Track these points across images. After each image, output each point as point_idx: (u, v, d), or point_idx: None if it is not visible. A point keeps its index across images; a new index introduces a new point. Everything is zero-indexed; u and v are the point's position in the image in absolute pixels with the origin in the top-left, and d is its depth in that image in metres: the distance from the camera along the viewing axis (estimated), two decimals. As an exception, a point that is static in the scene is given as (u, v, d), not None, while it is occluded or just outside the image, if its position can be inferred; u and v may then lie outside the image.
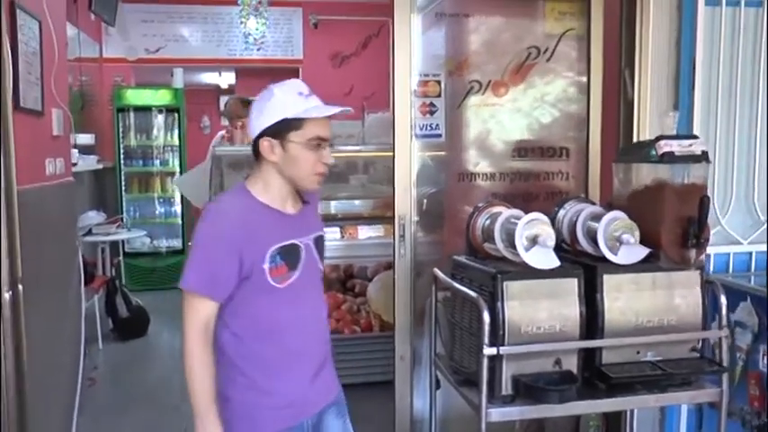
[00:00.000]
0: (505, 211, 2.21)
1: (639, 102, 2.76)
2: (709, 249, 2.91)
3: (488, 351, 2.01)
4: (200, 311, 1.71)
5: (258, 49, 6.59)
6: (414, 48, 2.67)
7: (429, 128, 2.70)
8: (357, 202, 3.86)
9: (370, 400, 3.11)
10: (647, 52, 2.74)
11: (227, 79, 8.50)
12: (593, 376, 2.19)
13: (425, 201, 2.78)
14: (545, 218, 2.09)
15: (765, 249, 2.99)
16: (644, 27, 2.72)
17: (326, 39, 7.01)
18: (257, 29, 5.92)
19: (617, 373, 2.13)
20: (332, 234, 4.11)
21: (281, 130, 1.71)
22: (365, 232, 3.88)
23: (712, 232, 2.92)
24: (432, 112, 2.70)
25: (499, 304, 2.03)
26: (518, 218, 2.11)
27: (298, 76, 7.18)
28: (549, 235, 2.05)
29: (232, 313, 1.76)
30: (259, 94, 1.80)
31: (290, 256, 1.77)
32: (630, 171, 2.35)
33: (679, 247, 2.17)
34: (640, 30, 2.73)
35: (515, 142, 2.87)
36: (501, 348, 2.02)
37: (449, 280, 2.35)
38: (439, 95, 2.72)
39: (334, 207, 4.40)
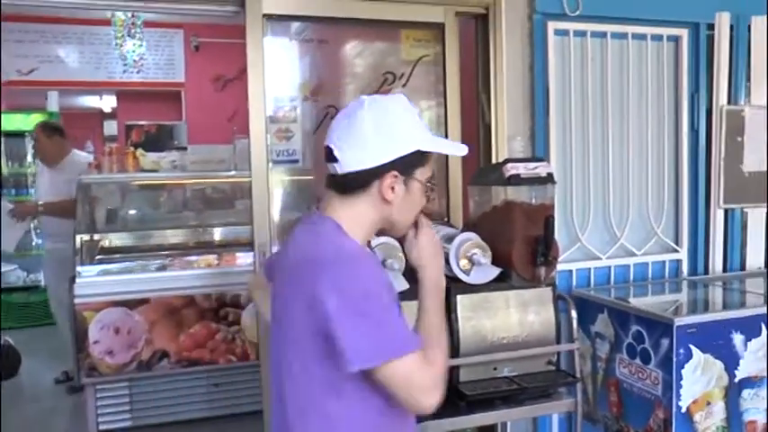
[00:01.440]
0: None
1: (497, 126, 2.88)
2: (571, 265, 3.08)
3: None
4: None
5: (138, 72, 6.38)
6: (267, 72, 2.63)
7: (286, 153, 2.69)
8: (230, 228, 3.79)
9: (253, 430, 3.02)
10: (502, 78, 2.86)
11: (108, 102, 8.17)
12: (452, 395, 2.22)
13: (286, 227, 2.75)
14: (393, 241, 2.12)
15: (622, 263, 3.18)
16: (498, 54, 2.85)
17: (208, 61, 6.87)
18: (134, 51, 5.73)
19: (473, 391, 2.18)
20: (208, 260, 4.02)
21: (411, 164, 1.41)
22: (243, 259, 3.81)
23: (573, 249, 3.09)
24: (288, 138, 2.69)
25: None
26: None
27: (180, 100, 7.06)
28: (395, 260, 2.07)
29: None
30: (359, 105, 1.41)
31: None
32: (483, 193, 2.43)
33: (529, 265, 2.25)
34: (494, 56, 2.85)
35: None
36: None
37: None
38: (295, 121, 2.71)
39: (210, 234, 4.32)
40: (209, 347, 3.64)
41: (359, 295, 1.32)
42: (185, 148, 5.58)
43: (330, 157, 1.45)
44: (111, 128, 7.58)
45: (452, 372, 2.21)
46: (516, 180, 2.25)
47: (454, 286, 2.21)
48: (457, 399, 2.20)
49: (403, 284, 2.10)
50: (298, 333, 1.39)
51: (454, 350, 2.19)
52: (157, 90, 6.76)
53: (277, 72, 2.67)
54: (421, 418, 1.95)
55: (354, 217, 1.44)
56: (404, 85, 2.86)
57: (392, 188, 1.41)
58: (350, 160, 1.41)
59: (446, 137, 2.83)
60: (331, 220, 1.44)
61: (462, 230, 2.42)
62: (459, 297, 2.19)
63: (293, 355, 1.42)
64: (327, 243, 1.40)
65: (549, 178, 2.32)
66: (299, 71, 2.75)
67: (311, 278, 1.34)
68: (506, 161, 2.30)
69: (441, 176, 2.90)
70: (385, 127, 1.40)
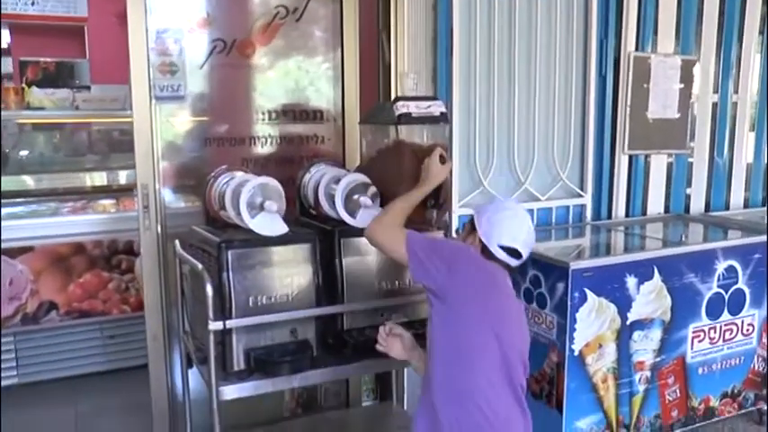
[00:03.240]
0: (237, 177, 2.07)
1: (397, 65, 2.74)
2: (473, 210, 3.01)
3: (213, 326, 1.88)
4: None
5: (33, 4, 5.86)
6: (151, 3, 2.43)
7: (170, 89, 2.48)
8: (131, 171, 3.52)
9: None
10: (404, 16, 2.71)
11: (5, 38, 7.52)
12: (338, 343, 2.15)
13: (174, 168, 2.57)
14: (274, 183, 1.99)
15: (526, 208, 3.13)
16: (399, -11, 2.69)
17: (113, -5, 6.38)
18: (25, -20, 5.24)
19: (357, 338, 2.11)
20: (104, 206, 3.79)
21: None
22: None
23: (475, 193, 3.03)
24: (172, 72, 2.48)
25: (225, 275, 1.91)
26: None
27: (83, 36, 6.55)
28: (275, 201, 1.94)
29: None
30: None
31: None
32: (375, 132, 2.31)
33: (419, 208, 2.15)
34: (395, -8, 2.69)
35: (266, 105, 2.73)
36: (228, 322, 1.90)
37: (182, 252, 2.18)
38: (180, 54, 2.50)
39: (107, 178, 4.06)
40: (101, 297, 3.44)
41: None
42: (88, 88, 5.23)
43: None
44: (8, 65, 6.99)
45: (336, 320, 2.13)
46: (407, 119, 2.13)
47: (339, 229, 2.11)
48: (341, 346, 2.12)
49: (281, 227, 1.98)
50: None
51: (339, 296, 2.10)
52: (57, 25, 6.22)
53: (161, 2, 2.47)
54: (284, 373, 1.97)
55: None
56: (297, 20, 2.68)
57: None
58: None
59: (342, 75, 2.69)
60: None
61: (354, 171, 2.31)
62: (343, 241, 2.09)
63: None
64: None
65: (443, 117, 2.21)
66: (184, 2, 2.53)
67: None
68: (397, 99, 2.18)
69: (337, 115, 2.78)
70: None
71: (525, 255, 1.84)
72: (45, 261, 3.35)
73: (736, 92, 3.71)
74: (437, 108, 2.21)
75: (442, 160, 2.05)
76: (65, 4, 6.28)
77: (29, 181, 3.95)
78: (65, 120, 4.06)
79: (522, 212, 1.89)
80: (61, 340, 3.50)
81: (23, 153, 4.22)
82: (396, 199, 1.97)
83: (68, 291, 3.40)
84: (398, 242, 1.79)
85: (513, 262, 1.83)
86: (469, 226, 1.89)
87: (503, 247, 1.80)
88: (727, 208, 3.76)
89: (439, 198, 2.16)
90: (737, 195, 3.81)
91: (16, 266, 3.29)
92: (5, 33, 7.09)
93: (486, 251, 1.81)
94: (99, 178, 4.19)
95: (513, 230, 1.82)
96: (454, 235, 2.62)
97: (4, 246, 3.22)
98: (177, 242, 2.28)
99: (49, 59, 5.82)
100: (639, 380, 2.72)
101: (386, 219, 1.89)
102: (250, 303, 1.93)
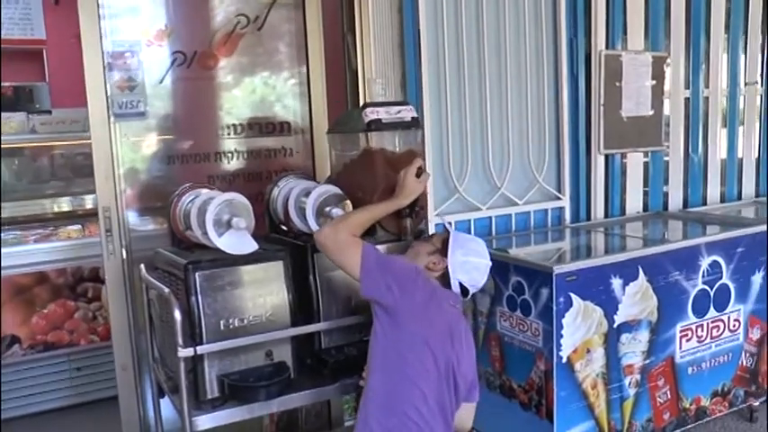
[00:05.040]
0: (203, 194, 1.96)
1: (364, 70, 2.65)
2: (450, 217, 2.93)
3: (183, 353, 1.77)
4: None
5: (-10, 28, 5.67)
6: (107, 15, 2.34)
7: (129, 105, 2.38)
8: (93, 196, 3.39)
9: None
10: (368, 21, 2.63)
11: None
12: (316, 363, 2.04)
13: (137, 189, 2.45)
14: (241, 198, 1.89)
15: (503, 213, 3.08)
16: (362, -8, 2.61)
17: (71, 16, 6.22)
18: (-22, 3, 5.07)
19: (336, 357, 2.01)
20: (68, 233, 3.64)
21: None
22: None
23: (451, 200, 2.95)
24: (131, 88, 2.37)
25: (193, 298, 1.79)
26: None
27: (42, 59, 6.38)
28: (243, 217, 1.84)
29: None
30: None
31: None
32: (345, 141, 2.22)
33: (394, 216, 2.07)
34: (358, -5, 2.61)
35: (230, 119, 2.63)
36: (198, 348, 1.78)
37: (147, 276, 2.06)
38: (138, 69, 2.40)
39: (72, 203, 3.91)
40: (66, 328, 3.28)
41: None
42: (49, 112, 5.06)
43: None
44: (-34, 92, 6.77)
45: (313, 339, 2.02)
46: (377, 125, 2.05)
47: (311, 244, 2.00)
48: (320, 366, 2.01)
49: (250, 245, 1.88)
50: None
51: (315, 314, 2.00)
52: (14, 48, 6.04)
53: (116, 14, 2.41)
54: (259, 399, 1.90)
55: None
56: (259, 29, 2.59)
57: None
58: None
59: (308, 84, 2.61)
60: None
61: (324, 183, 2.21)
62: (316, 256, 1.99)
63: None
64: None
65: (414, 122, 2.14)
66: (141, 13, 2.44)
67: None
68: (366, 105, 2.10)
69: (305, 126, 2.69)
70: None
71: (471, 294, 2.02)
72: (6, 293, 3.19)
73: (707, 86, 3.70)
74: (408, 113, 2.13)
75: (419, 172, 2.00)
76: (22, 26, 6.12)
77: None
78: (22, 144, 3.90)
79: (489, 264, 2.01)
80: (25, 375, 3.32)
81: (-20, 181, 4.05)
82: (361, 207, 1.94)
83: (31, 323, 3.24)
84: (351, 253, 1.78)
85: (461, 296, 1.98)
86: (440, 245, 1.96)
87: (461, 283, 1.94)
88: (705, 203, 3.74)
89: (414, 206, 2.07)
90: (714, 190, 3.79)
91: (-25, 299, 3.13)
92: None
93: (444, 276, 1.94)
94: (63, 204, 4.05)
95: (476, 277, 1.97)
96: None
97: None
98: (142, 266, 2.16)
99: (7, 84, 5.64)
100: (629, 383, 2.65)
101: (342, 225, 1.84)
102: (221, 327, 1.82)
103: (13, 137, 3.80)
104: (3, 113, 3.88)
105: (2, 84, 5.60)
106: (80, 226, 3.78)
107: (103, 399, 3.34)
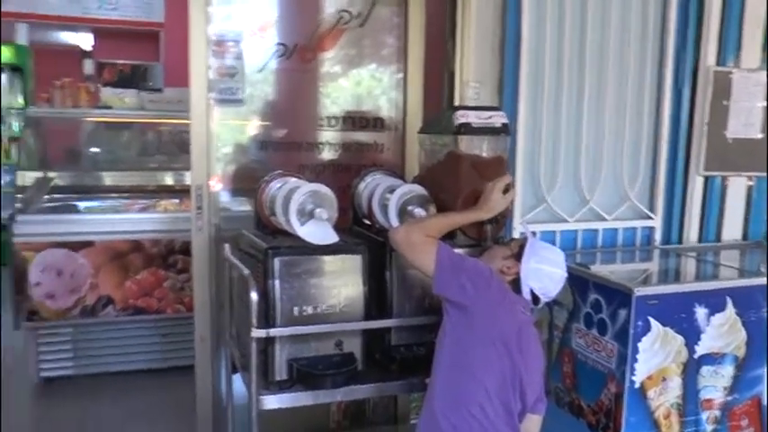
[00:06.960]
0: (290, 183, 2.03)
1: (462, 73, 2.65)
2: (536, 226, 2.89)
3: (256, 333, 1.84)
4: None
5: (114, 9, 6.07)
6: (211, 4, 2.45)
7: (228, 92, 2.48)
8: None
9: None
10: (470, 21, 2.62)
11: (88, 41, 7.84)
12: (384, 358, 2.07)
13: (229, 171, 2.56)
14: (326, 190, 1.94)
15: (590, 228, 3.00)
16: (466, -4, 2.60)
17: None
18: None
19: (405, 355, 2.03)
20: (165, 205, 3.84)
21: None
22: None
23: (539, 209, 2.90)
24: (231, 75, 2.48)
25: (271, 282, 1.86)
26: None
27: (158, 41, 6.76)
28: (326, 208, 1.89)
29: None
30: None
31: None
32: (435, 142, 2.23)
33: (475, 222, 2.07)
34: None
35: (326, 111, 2.70)
36: (271, 330, 1.85)
37: (230, 256, 2.15)
38: (239, 57, 2.50)
39: (169, 178, 4.13)
40: (156, 296, 3.49)
41: None
42: (160, 90, 5.36)
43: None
44: (90, 67, 7.27)
45: (384, 334, 2.05)
46: (466, 129, 2.05)
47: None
48: (388, 362, 2.04)
49: (331, 236, 1.93)
50: None
51: (388, 310, 2.03)
52: (135, 29, 6.45)
53: (224, 2, 2.50)
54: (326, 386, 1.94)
55: None
56: (361, 25, 2.63)
57: None
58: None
59: (405, 83, 2.63)
60: None
61: (411, 182, 2.23)
62: (394, 253, 2.01)
63: None
64: None
65: (504, 129, 2.12)
66: (247, 6, 2.53)
67: None
68: (456, 108, 2.10)
69: (398, 123, 2.71)
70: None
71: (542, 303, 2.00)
72: (104, 256, 3.41)
73: (828, 112, 3.44)
74: (498, 119, 2.12)
75: (507, 188, 2.01)
76: (143, 9, 6.51)
77: (97, 178, 4.06)
78: (131, 119, 4.15)
79: (564, 275, 1.98)
80: (116, 335, 3.56)
81: (91, 150, 4.35)
82: (442, 213, 1.97)
83: (125, 287, 3.46)
84: (426, 251, 1.82)
85: (531, 304, 1.95)
86: (516, 250, 1.94)
87: (532, 291, 1.92)
88: (813, 237, 3.49)
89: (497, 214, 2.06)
90: (824, 225, 3.53)
91: (78, 259, 3.37)
92: (89, 37, 7.41)
93: (515, 282, 1.92)
94: (166, 178, 4.28)
95: (549, 286, 1.95)
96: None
97: (66, 239, 3.31)
98: (227, 246, 2.25)
99: (124, 62, 6.01)
100: (707, 419, 2.52)
101: (418, 227, 1.88)
102: (295, 313, 1.88)
103: (125, 111, 4.04)
104: (117, 89, 4.14)
105: (120, 62, 6.01)
106: (178, 200, 4.00)
107: (183, 366, 3.52)
